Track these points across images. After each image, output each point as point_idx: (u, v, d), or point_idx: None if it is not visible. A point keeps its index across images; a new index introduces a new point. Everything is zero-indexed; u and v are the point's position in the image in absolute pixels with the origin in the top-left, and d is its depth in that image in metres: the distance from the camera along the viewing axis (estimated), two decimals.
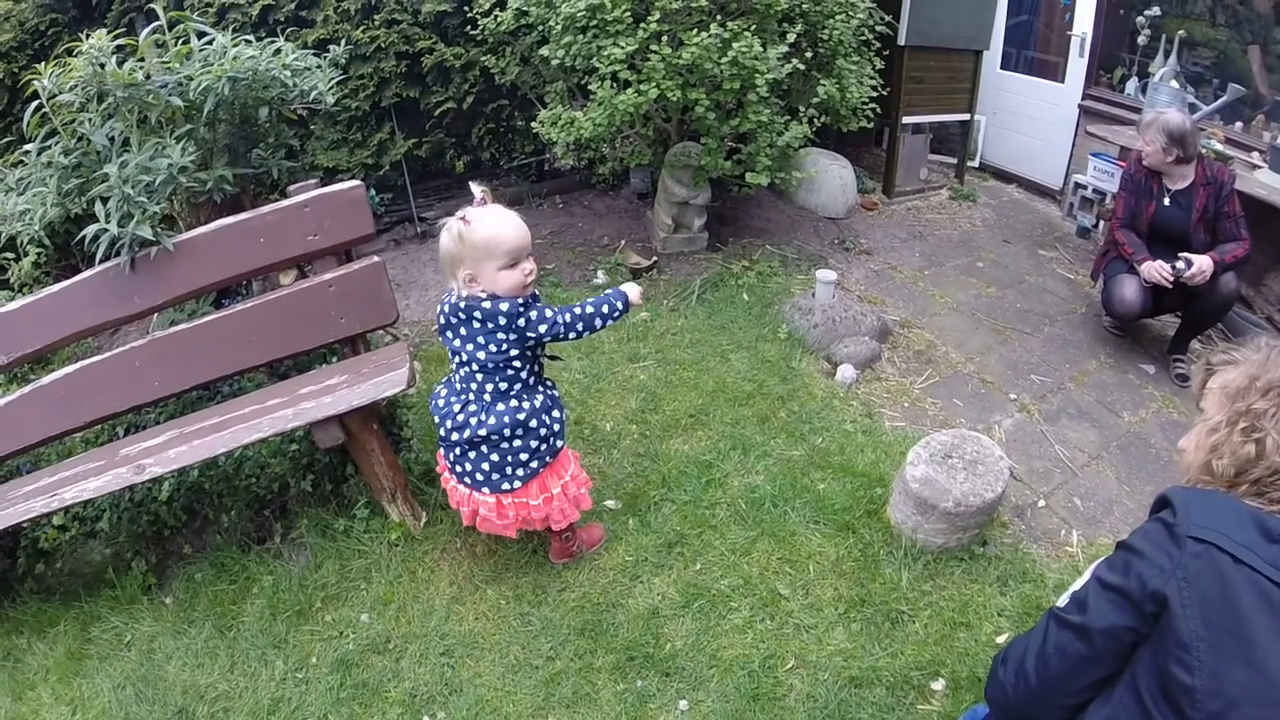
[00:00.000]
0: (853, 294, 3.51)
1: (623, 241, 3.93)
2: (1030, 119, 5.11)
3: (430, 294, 3.74)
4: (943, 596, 2.18)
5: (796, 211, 4.28)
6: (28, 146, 2.61)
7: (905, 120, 4.47)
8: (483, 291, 1.83)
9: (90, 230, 2.44)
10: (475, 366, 1.89)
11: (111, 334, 3.48)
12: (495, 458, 1.94)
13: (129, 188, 2.41)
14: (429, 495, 2.50)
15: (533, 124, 3.41)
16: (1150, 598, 1.02)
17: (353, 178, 2.92)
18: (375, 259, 2.35)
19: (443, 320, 1.90)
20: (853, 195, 4.38)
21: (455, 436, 1.93)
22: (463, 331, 1.87)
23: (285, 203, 2.40)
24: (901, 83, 4.31)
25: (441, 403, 1.96)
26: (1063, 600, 1.17)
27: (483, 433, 1.89)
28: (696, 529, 2.35)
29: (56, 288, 2.72)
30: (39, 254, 3.49)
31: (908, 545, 2.28)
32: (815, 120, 3.32)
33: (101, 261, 2.51)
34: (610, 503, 2.45)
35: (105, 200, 2.45)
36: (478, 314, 1.82)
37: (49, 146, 2.56)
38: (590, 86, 3.04)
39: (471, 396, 1.92)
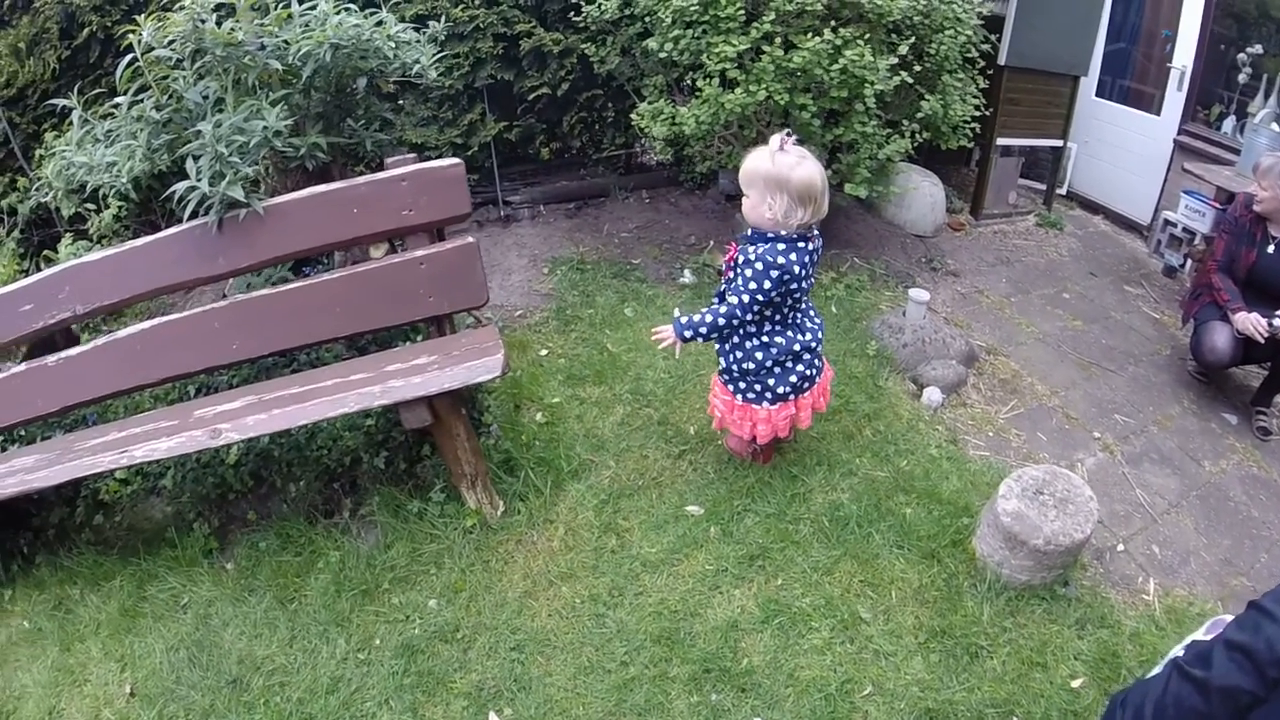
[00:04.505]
0: (940, 315, 3.41)
1: (711, 242, 3.86)
2: (1122, 150, 4.94)
3: (513, 278, 3.69)
4: (1022, 634, 2.11)
5: (885, 226, 4.18)
6: (118, 99, 2.59)
7: (999, 141, 4.34)
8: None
9: (180, 187, 2.41)
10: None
11: (185, 293, 3.48)
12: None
13: (222, 147, 2.38)
14: (507, 485, 2.44)
15: (631, 115, 3.34)
16: (1276, 663, 0.99)
17: (440, 156, 2.88)
18: (470, 239, 2.29)
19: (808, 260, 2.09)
20: (941, 214, 4.28)
21: (816, 347, 2.24)
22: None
23: (381, 175, 2.35)
24: (998, 103, 4.19)
25: (809, 329, 2.21)
26: (1181, 650, 1.14)
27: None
28: (779, 543, 2.27)
29: (140, 242, 2.71)
30: (120, 207, 3.50)
31: (991, 579, 2.22)
32: (916, 135, 3.22)
33: (189, 219, 2.49)
34: (692, 508, 2.37)
35: (197, 158, 2.43)
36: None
37: (140, 101, 2.55)
38: (696, 83, 2.97)
39: (813, 313, 2.26)
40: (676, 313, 2.17)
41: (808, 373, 2.24)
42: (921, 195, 4.12)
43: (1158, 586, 2.36)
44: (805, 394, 2.28)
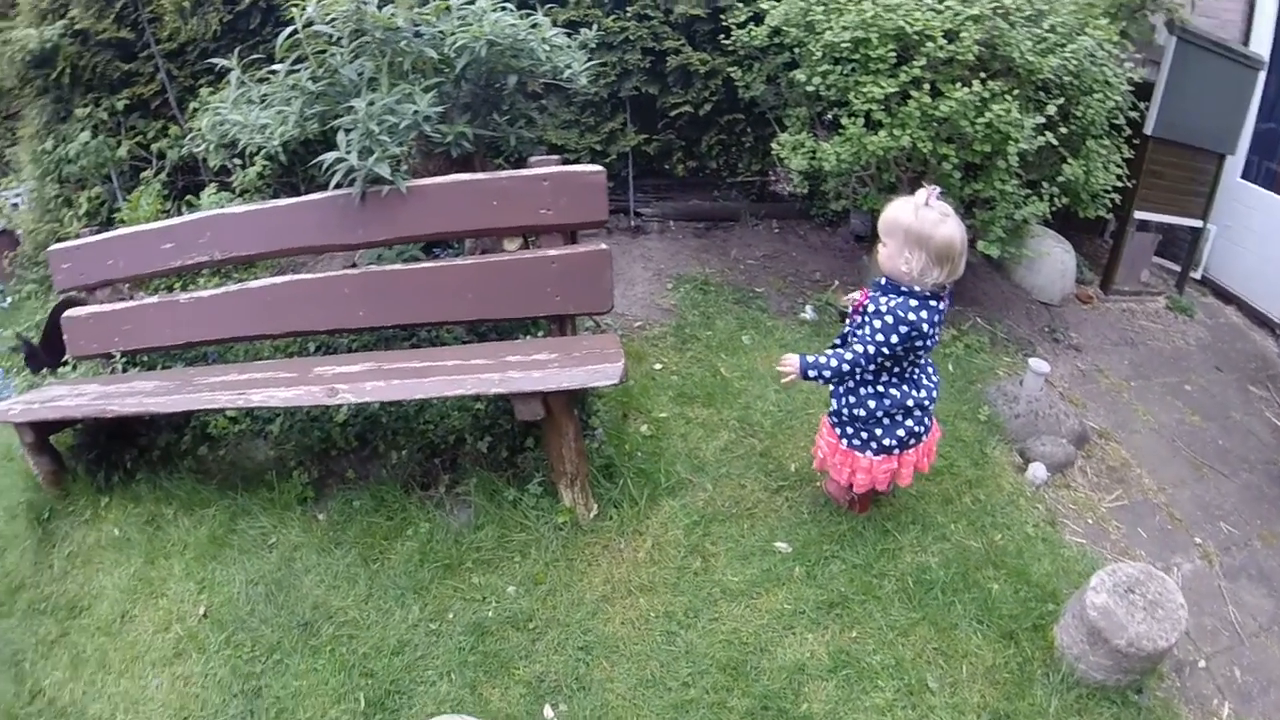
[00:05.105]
0: (1056, 390, 3.30)
1: (836, 281, 3.83)
2: (1264, 238, 4.64)
3: (636, 289, 3.74)
4: None
5: (1011, 289, 4.07)
6: (275, 66, 2.74)
7: (1137, 215, 4.16)
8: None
9: (329, 157, 2.54)
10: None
11: (315, 257, 3.66)
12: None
13: (373, 124, 2.49)
14: (604, 490, 2.47)
15: (771, 144, 3.35)
16: None
17: (579, 159, 2.95)
18: (603, 246, 2.35)
19: (937, 319, 2.06)
20: (1070, 284, 4.12)
21: (929, 406, 2.21)
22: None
23: (524, 172, 2.43)
24: (1141, 174, 4.01)
25: (925, 386, 2.19)
26: None
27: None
28: (861, 595, 2.23)
29: (284, 201, 2.86)
30: (265, 167, 3.70)
31: (1066, 672, 2.12)
32: (1055, 199, 3.12)
33: (333, 188, 2.61)
34: (781, 544, 2.36)
35: (348, 132, 2.55)
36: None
37: (297, 70, 2.69)
38: (840, 119, 2.96)
39: (931, 370, 2.23)
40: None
41: (916, 429, 2.21)
42: (1053, 262, 3.98)
43: (1232, 712, 2.23)
44: (910, 450, 2.23)
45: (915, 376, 2.16)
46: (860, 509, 2.44)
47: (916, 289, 2.01)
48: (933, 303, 2.02)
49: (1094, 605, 2.07)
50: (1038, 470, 2.76)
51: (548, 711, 2.00)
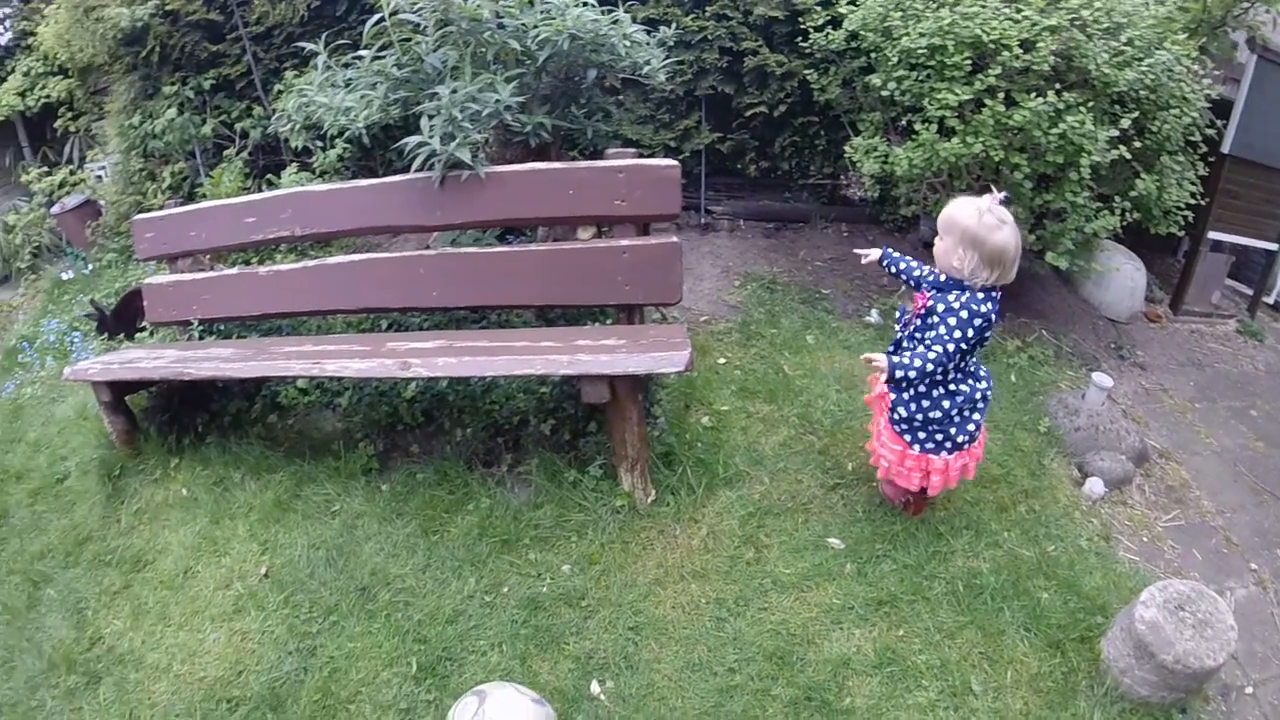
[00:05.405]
0: (1118, 406, 3.26)
1: (903, 287, 3.80)
2: None
3: (704, 285, 3.78)
4: None
5: (1079, 303, 4.01)
6: (361, 52, 2.84)
7: (1210, 235, 4.07)
8: None
9: (412, 140, 2.63)
10: None
11: (391, 237, 3.78)
12: None
13: (456, 111, 2.57)
14: (663, 476, 2.53)
15: (844, 147, 3.37)
16: None
17: (652, 155, 3.00)
18: (674, 239, 2.40)
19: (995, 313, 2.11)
20: (1139, 301, 4.05)
21: (990, 396, 2.25)
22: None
23: (601, 164, 2.49)
24: (1215, 194, 3.93)
25: (983, 377, 2.23)
26: None
27: None
28: (910, 595, 2.25)
29: (366, 182, 2.96)
30: (345, 149, 3.83)
31: (1110, 685, 2.11)
32: (1127, 214, 3.09)
33: (415, 171, 2.70)
34: (834, 541, 2.39)
35: (431, 117, 2.63)
36: None
37: (382, 57, 2.79)
38: (914, 125, 2.97)
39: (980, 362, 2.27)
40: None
41: (981, 421, 2.25)
42: (1122, 278, 3.91)
43: None
44: (975, 444, 2.27)
45: (975, 370, 2.21)
46: (915, 511, 2.46)
47: (973, 284, 2.05)
48: (995, 294, 2.07)
49: (1143, 619, 2.05)
50: (1095, 485, 2.74)
51: (595, 687, 2.06)
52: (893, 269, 2.35)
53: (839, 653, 2.11)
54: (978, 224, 1.97)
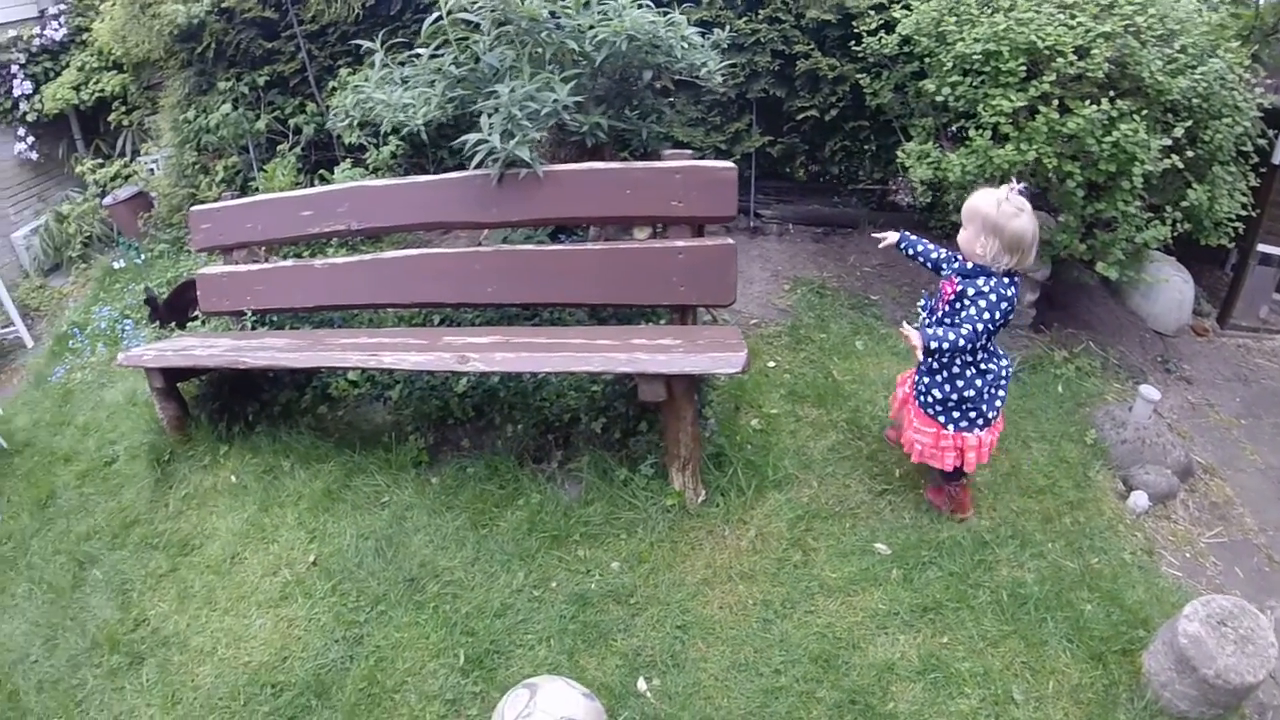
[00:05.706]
0: (1164, 420, 3.24)
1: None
2: None
3: (754, 288, 3.79)
4: None
5: (1127, 315, 3.98)
6: (418, 50, 2.89)
7: (1260, 248, 4.00)
8: None
9: (471, 137, 2.67)
10: None
11: (443, 234, 3.84)
12: None
13: (515, 109, 2.61)
14: (713, 477, 2.56)
15: (896, 153, 3.37)
16: None
17: (703, 157, 3.03)
18: (729, 240, 2.43)
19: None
20: (1187, 314, 4.00)
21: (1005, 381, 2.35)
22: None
23: (657, 164, 2.52)
24: (1266, 205, 3.86)
25: (1003, 354, 2.34)
26: None
27: None
28: (955, 602, 2.27)
29: (424, 178, 3.02)
30: (398, 145, 3.90)
31: (1150, 698, 2.12)
32: (1178, 225, 3.06)
33: (474, 168, 2.74)
34: (881, 546, 2.41)
35: (490, 115, 2.67)
36: None
37: (440, 55, 2.83)
38: (967, 131, 2.97)
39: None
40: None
41: (1005, 396, 2.36)
42: (1170, 290, 3.87)
43: None
44: (999, 420, 2.38)
45: (995, 349, 2.32)
46: (963, 510, 2.50)
47: (996, 269, 2.17)
48: (1016, 279, 2.19)
49: (1185, 633, 2.06)
50: (1139, 499, 2.73)
51: (641, 684, 2.10)
52: (910, 251, 2.44)
53: (883, 657, 2.14)
54: (997, 212, 2.09)
